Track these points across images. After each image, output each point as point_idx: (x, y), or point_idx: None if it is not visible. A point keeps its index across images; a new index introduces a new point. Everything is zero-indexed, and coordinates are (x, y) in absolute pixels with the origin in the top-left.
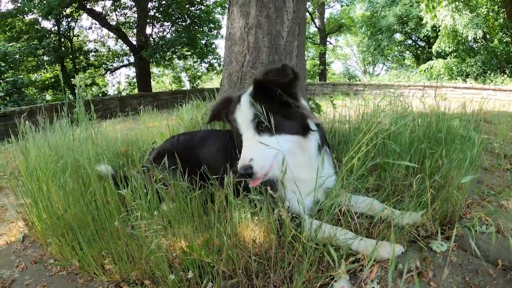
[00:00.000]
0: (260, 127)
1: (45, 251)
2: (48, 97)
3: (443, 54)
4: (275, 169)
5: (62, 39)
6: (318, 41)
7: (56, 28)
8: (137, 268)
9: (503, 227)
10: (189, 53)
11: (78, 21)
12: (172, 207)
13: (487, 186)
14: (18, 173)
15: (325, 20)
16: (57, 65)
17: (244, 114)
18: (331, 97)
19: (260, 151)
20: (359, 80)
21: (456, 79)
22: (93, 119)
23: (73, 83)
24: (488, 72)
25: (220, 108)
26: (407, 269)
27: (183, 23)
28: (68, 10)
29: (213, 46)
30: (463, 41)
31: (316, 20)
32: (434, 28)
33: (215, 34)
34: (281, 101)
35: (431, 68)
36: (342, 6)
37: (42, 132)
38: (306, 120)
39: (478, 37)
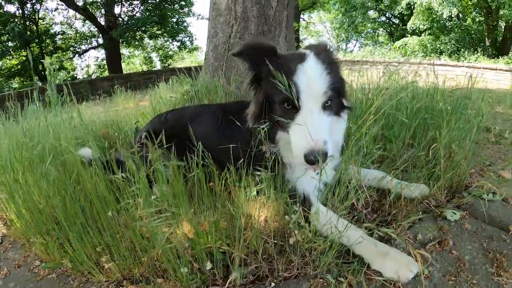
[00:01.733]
0: (326, 104)
1: (28, 252)
2: (15, 85)
3: (417, 31)
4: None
5: (27, 23)
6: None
7: (20, 11)
8: (140, 264)
9: (508, 195)
10: (160, 32)
11: (43, 3)
12: (167, 190)
13: (483, 158)
14: None
15: None
16: (23, 50)
17: (314, 82)
18: None
19: (330, 132)
20: None
21: (430, 56)
22: (67, 101)
23: (44, 65)
24: (462, 50)
25: (262, 51)
26: (427, 238)
27: (153, 1)
28: None
29: (185, 24)
30: (438, 19)
31: None
32: (409, 6)
33: (186, 11)
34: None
35: (405, 45)
36: None
37: (13, 119)
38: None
39: (452, 15)
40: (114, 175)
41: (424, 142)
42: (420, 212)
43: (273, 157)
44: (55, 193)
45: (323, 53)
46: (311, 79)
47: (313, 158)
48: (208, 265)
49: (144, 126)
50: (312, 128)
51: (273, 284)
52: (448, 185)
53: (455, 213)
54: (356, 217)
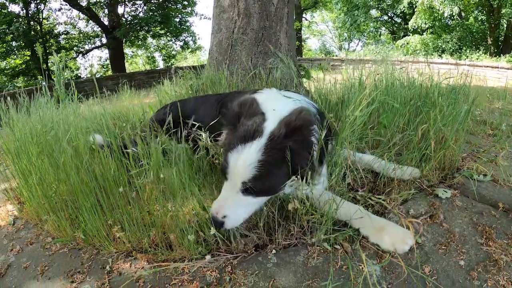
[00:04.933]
0: (249, 189)
1: (40, 230)
2: (20, 84)
3: (419, 30)
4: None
5: (31, 23)
6: (294, 17)
7: (24, 11)
8: (149, 234)
9: (497, 177)
10: (163, 31)
11: (47, 3)
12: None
13: (476, 146)
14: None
15: None
16: (27, 50)
17: (241, 167)
18: (320, 63)
19: (238, 210)
20: (336, 56)
21: (432, 54)
22: (75, 96)
23: (48, 64)
24: (464, 48)
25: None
26: (419, 213)
27: (156, 1)
28: None
29: (188, 24)
30: (439, 17)
31: None
32: (411, 5)
33: (189, 11)
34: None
35: (407, 43)
36: None
37: (24, 112)
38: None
39: (454, 14)
40: (126, 150)
41: (415, 125)
42: (413, 190)
43: None
44: (71, 170)
45: (280, 138)
46: (240, 162)
47: (212, 220)
48: (212, 230)
49: (151, 116)
50: (220, 197)
51: (273, 252)
52: (440, 167)
53: (446, 192)
54: (352, 196)
